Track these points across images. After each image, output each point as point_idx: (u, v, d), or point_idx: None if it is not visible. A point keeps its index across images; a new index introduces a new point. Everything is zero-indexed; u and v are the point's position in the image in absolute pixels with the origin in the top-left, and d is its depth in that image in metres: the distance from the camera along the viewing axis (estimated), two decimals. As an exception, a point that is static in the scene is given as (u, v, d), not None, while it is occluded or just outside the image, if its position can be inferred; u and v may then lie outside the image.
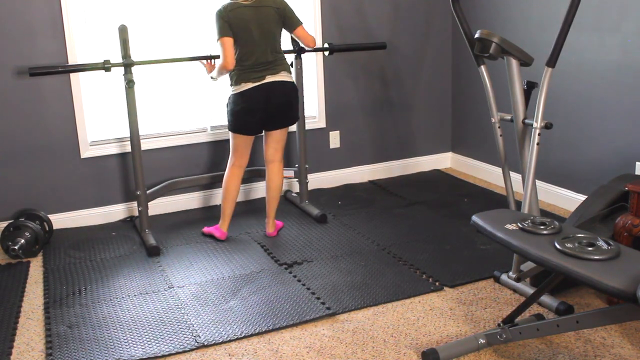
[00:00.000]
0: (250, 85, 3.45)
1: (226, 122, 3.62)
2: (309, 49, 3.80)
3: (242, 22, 3.39)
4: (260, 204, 4.36)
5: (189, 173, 4.27)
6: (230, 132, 3.62)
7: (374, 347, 2.56)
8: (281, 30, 3.55)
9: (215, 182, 4.24)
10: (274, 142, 3.68)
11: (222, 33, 3.39)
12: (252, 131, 3.59)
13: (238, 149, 3.64)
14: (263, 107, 3.50)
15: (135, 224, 3.98)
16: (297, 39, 3.70)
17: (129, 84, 3.54)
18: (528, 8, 4.13)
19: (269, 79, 3.47)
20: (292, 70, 4.11)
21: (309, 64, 4.49)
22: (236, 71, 3.47)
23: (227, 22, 3.38)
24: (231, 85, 3.53)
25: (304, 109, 4.14)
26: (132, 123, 3.63)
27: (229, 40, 3.40)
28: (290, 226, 3.93)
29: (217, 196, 4.35)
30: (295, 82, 3.67)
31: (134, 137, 3.66)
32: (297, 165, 4.24)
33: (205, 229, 3.84)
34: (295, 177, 4.27)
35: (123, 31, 3.52)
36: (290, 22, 3.54)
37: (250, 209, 4.27)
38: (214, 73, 3.60)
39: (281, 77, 3.52)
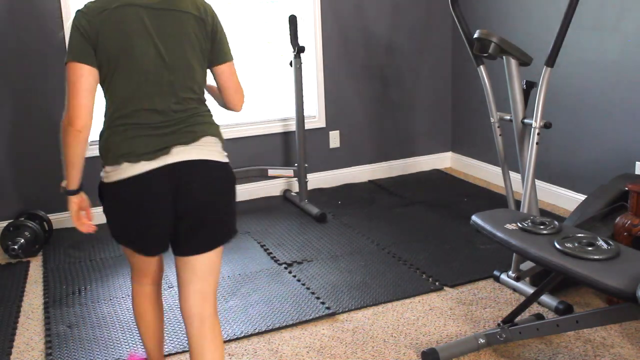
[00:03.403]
0: (138, 167, 1.80)
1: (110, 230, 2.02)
2: (230, 109, 2.08)
3: (122, 33, 1.79)
4: (260, 204, 4.37)
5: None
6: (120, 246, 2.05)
7: (374, 347, 2.56)
8: (206, 55, 1.93)
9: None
10: (195, 277, 1.95)
11: (72, 54, 1.79)
12: (147, 250, 1.97)
13: (134, 266, 2.09)
14: (165, 210, 1.84)
15: None
16: (216, 84, 2.04)
17: None
18: (527, 8, 4.13)
19: (177, 154, 1.83)
20: (292, 69, 4.09)
21: (309, 63, 4.49)
22: (108, 133, 1.85)
23: (88, 35, 1.78)
24: (103, 163, 1.87)
25: (303, 109, 4.14)
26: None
27: (84, 70, 1.78)
28: (290, 226, 3.93)
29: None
30: (229, 163, 1.94)
31: None
32: (296, 165, 4.24)
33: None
34: (294, 177, 4.27)
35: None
36: (218, 46, 1.95)
37: (250, 209, 4.27)
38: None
39: (202, 151, 1.87)
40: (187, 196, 1.84)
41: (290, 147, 4.54)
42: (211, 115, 1.97)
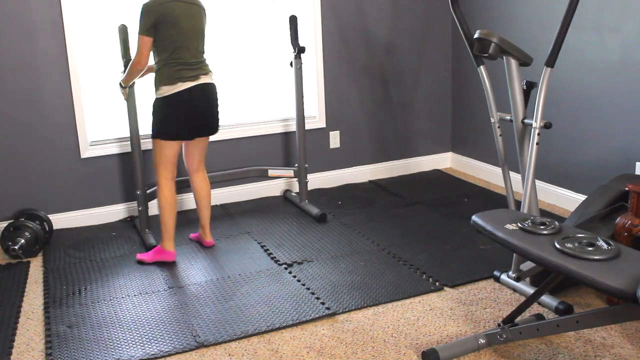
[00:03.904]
0: (188, 84, 3.20)
1: (155, 130, 3.29)
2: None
3: (173, 17, 3.13)
4: (260, 204, 4.37)
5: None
6: (159, 142, 3.29)
7: (374, 347, 2.56)
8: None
9: (216, 182, 4.24)
10: (200, 151, 3.46)
11: (144, 30, 3.12)
12: (188, 136, 3.33)
13: (170, 160, 3.33)
14: (201, 110, 3.28)
15: (136, 224, 3.98)
16: None
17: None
18: (527, 8, 4.13)
19: (203, 79, 3.26)
20: (292, 69, 4.11)
21: (309, 63, 4.49)
22: (167, 69, 3.18)
23: (155, 18, 3.11)
24: (161, 85, 3.21)
25: (303, 109, 4.15)
26: (132, 123, 3.65)
27: (149, 41, 3.15)
28: (290, 226, 3.93)
29: (220, 196, 4.35)
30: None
31: (134, 137, 3.67)
32: (296, 165, 4.24)
33: (143, 257, 3.46)
34: (294, 177, 4.27)
35: (123, 31, 3.52)
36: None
37: (250, 209, 4.26)
38: (124, 77, 3.39)
39: (211, 79, 3.33)
40: (207, 102, 3.30)
41: (290, 148, 4.54)
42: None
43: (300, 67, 4.06)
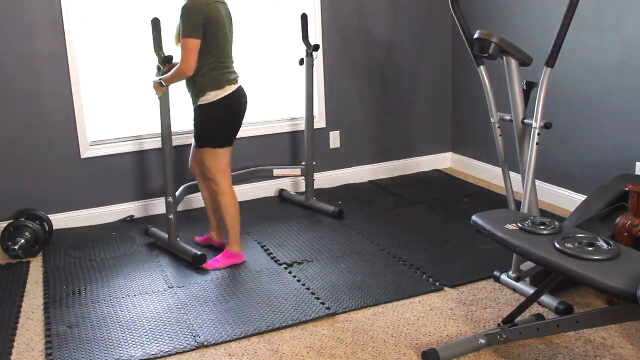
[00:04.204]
0: (234, 87, 3.16)
1: (205, 139, 3.18)
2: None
3: (218, 17, 3.05)
4: (260, 204, 4.37)
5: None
6: (212, 150, 3.19)
7: (374, 347, 2.56)
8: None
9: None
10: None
11: (192, 32, 2.98)
12: (235, 137, 3.29)
13: (228, 165, 3.28)
14: (243, 114, 3.26)
15: (149, 232, 3.74)
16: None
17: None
18: (527, 8, 4.13)
19: (239, 82, 3.24)
20: (303, 68, 4.10)
21: (314, 63, 4.48)
22: (215, 72, 3.10)
23: (202, 19, 2.99)
24: (209, 91, 3.10)
25: (312, 107, 4.16)
26: (165, 121, 3.35)
27: (197, 43, 3.01)
28: (290, 226, 3.93)
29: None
30: None
31: (166, 138, 3.36)
32: (303, 163, 4.23)
33: (215, 264, 3.33)
34: (301, 176, 4.25)
35: (156, 25, 3.28)
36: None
37: (250, 209, 4.26)
38: (168, 77, 3.16)
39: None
40: (245, 105, 3.26)
41: (294, 146, 4.54)
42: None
43: (312, 65, 4.05)
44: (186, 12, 2.99)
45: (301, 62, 4.08)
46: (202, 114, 3.15)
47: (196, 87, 3.13)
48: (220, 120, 3.15)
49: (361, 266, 3.31)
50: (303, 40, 4.02)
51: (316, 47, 4.02)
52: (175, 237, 3.51)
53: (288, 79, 4.48)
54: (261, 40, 4.41)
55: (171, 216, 3.46)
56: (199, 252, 3.35)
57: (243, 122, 3.28)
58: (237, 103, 3.19)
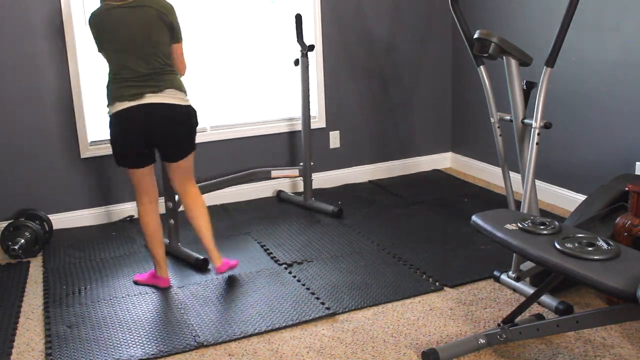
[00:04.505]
0: (125, 104, 2.85)
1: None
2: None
3: (111, 25, 2.83)
4: (260, 204, 4.37)
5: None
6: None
7: (374, 347, 2.56)
8: (168, 37, 2.90)
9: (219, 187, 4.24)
10: (176, 171, 3.07)
11: (97, 47, 2.93)
12: (136, 163, 2.98)
13: (137, 184, 3.03)
14: (143, 135, 2.91)
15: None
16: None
17: None
18: (527, 8, 4.13)
19: (149, 98, 2.85)
20: (299, 69, 4.09)
21: (310, 63, 4.48)
22: (109, 86, 2.91)
23: (95, 31, 2.88)
24: (107, 104, 2.95)
25: (309, 107, 4.14)
26: None
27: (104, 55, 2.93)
28: (290, 226, 3.93)
29: (220, 196, 4.34)
30: (190, 105, 3.00)
31: None
32: (301, 164, 4.23)
33: (139, 278, 3.20)
34: (300, 176, 4.25)
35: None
36: (171, 33, 2.91)
37: (250, 209, 4.26)
38: None
39: (166, 97, 2.89)
40: (155, 126, 2.90)
41: (292, 147, 4.54)
42: (178, 78, 2.98)
43: (307, 65, 4.05)
44: (175, 13, 2.94)
45: (296, 62, 4.08)
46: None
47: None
48: (111, 138, 2.97)
49: (361, 266, 3.31)
50: (298, 41, 4.02)
51: (311, 48, 4.02)
52: (177, 241, 3.52)
53: (288, 79, 4.48)
54: (261, 41, 4.41)
55: (172, 221, 3.47)
56: (202, 257, 3.34)
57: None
58: (122, 123, 2.89)
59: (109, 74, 2.93)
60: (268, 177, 4.25)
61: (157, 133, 2.91)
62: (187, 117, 2.97)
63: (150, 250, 3.11)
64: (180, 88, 2.96)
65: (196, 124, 3.03)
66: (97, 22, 2.86)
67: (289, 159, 4.57)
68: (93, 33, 2.89)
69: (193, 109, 3.00)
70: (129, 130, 2.90)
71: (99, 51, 2.93)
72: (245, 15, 4.32)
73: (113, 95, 2.88)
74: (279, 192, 4.49)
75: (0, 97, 3.74)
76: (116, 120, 2.90)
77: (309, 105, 4.13)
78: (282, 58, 4.44)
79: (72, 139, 3.94)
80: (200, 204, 3.12)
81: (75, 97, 3.89)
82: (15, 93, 3.76)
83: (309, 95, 4.11)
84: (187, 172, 3.09)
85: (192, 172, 3.12)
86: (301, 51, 4.04)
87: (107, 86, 2.92)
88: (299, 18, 4.02)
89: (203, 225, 3.11)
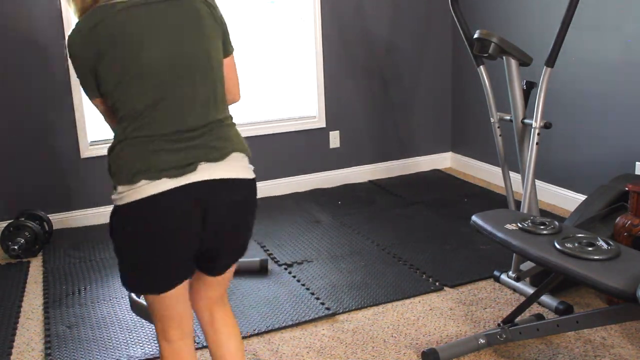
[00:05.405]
0: (161, 185, 1.58)
1: (120, 274, 1.78)
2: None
3: (131, 35, 1.58)
4: (259, 204, 4.36)
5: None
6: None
7: (374, 347, 2.56)
8: (222, 50, 1.73)
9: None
10: (214, 287, 1.88)
11: (91, 85, 1.65)
12: (170, 283, 1.70)
13: (166, 313, 1.75)
14: (191, 238, 1.65)
15: None
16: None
17: None
18: (527, 8, 4.13)
19: (205, 171, 1.62)
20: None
21: (309, 63, 4.49)
22: (120, 151, 1.65)
23: (92, 53, 1.58)
24: (116, 182, 1.66)
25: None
26: None
27: (96, 102, 1.70)
28: (290, 226, 3.93)
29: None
30: (255, 178, 1.82)
31: None
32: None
33: None
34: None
35: None
36: (224, 39, 1.75)
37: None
38: None
39: (230, 167, 1.68)
40: (214, 220, 1.66)
41: (293, 151, 4.54)
42: (234, 123, 1.77)
43: None
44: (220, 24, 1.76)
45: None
46: (110, 222, 1.75)
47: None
48: (125, 248, 1.71)
49: (361, 266, 3.30)
50: None
51: None
52: None
53: (287, 79, 4.48)
54: (259, 41, 4.41)
55: None
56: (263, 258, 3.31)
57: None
58: (155, 220, 1.61)
59: (118, 128, 1.64)
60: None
61: (213, 232, 1.68)
62: (255, 200, 1.85)
63: None
64: (246, 148, 1.76)
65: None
66: (102, 35, 1.56)
67: (288, 167, 4.57)
68: (87, 57, 1.59)
69: (256, 184, 1.84)
70: (169, 233, 1.61)
71: (93, 96, 1.68)
72: (245, 16, 4.32)
73: (132, 167, 1.60)
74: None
75: (0, 97, 3.74)
76: (139, 216, 1.61)
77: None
78: (284, 57, 4.44)
79: (72, 139, 3.94)
80: (235, 334, 1.93)
81: (76, 97, 3.89)
82: (16, 93, 3.76)
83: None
84: (225, 285, 1.91)
85: (228, 285, 1.94)
86: None
87: (114, 152, 1.67)
88: None
89: None
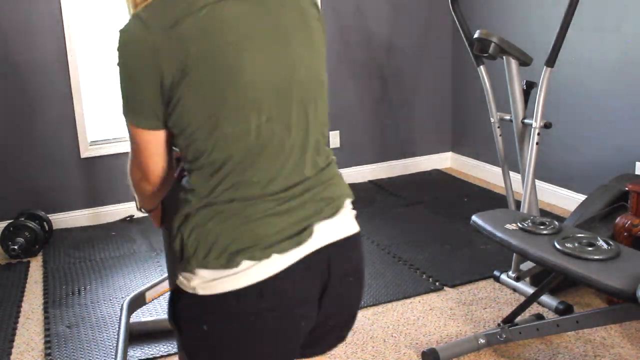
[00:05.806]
0: (272, 266, 1.15)
1: None
2: None
3: (222, 50, 1.09)
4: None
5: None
6: None
7: (374, 347, 2.56)
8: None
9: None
10: None
11: (131, 111, 1.16)
12: None
13: None
14: (311, 316, 1.24)
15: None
16: None
17: None
18: (527, 8, 4.13)
19: (322, 235, 1.22)
20: None
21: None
22: (205, 217, 1.16)
23: (162, 67, 1.08)
24: (187, 267, 1.18)
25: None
26: None
27: (148, 137, 1.16)
28: (290, 226, 3.93)
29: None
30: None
31: None
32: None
33: None
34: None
35: None
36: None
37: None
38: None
39: (344, 223, 1.28)
40: (337, 293, 1.24)
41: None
42: (335, 159, 1.32)
43: None
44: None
45: None
46: (182, 316, 1.28)
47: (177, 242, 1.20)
48: (213, 347, 1.21)
49: (361, 266, 3.30)
50: None
51: None
52: None
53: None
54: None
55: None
56: None
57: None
58: (271, 311, 1.17)
59: (196, 186, 1.17)
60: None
61: (329, 313, 1.27)
62: (363, 257, 1.36)
63: None
64: (350, 190, 1.34)
65: None
66: (187, 42, 1.08)
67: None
68: (159, 72, 1.09)
69: None
70: (285, 329, 1.20)
71: (150, 126, 1.15)
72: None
73: (228, 244, 1.15)
74: None
75: (0, 97, 3.74)
76: (242, 311, 1.16)
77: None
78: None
79: (72, 139, 3.94)
80: None
81: (76, 97, 3.89)
82: (16, 93, 3.76)
83: None
84: None
85: None
86: None
87: (189, 223, 1.17)
88: None
89: None
